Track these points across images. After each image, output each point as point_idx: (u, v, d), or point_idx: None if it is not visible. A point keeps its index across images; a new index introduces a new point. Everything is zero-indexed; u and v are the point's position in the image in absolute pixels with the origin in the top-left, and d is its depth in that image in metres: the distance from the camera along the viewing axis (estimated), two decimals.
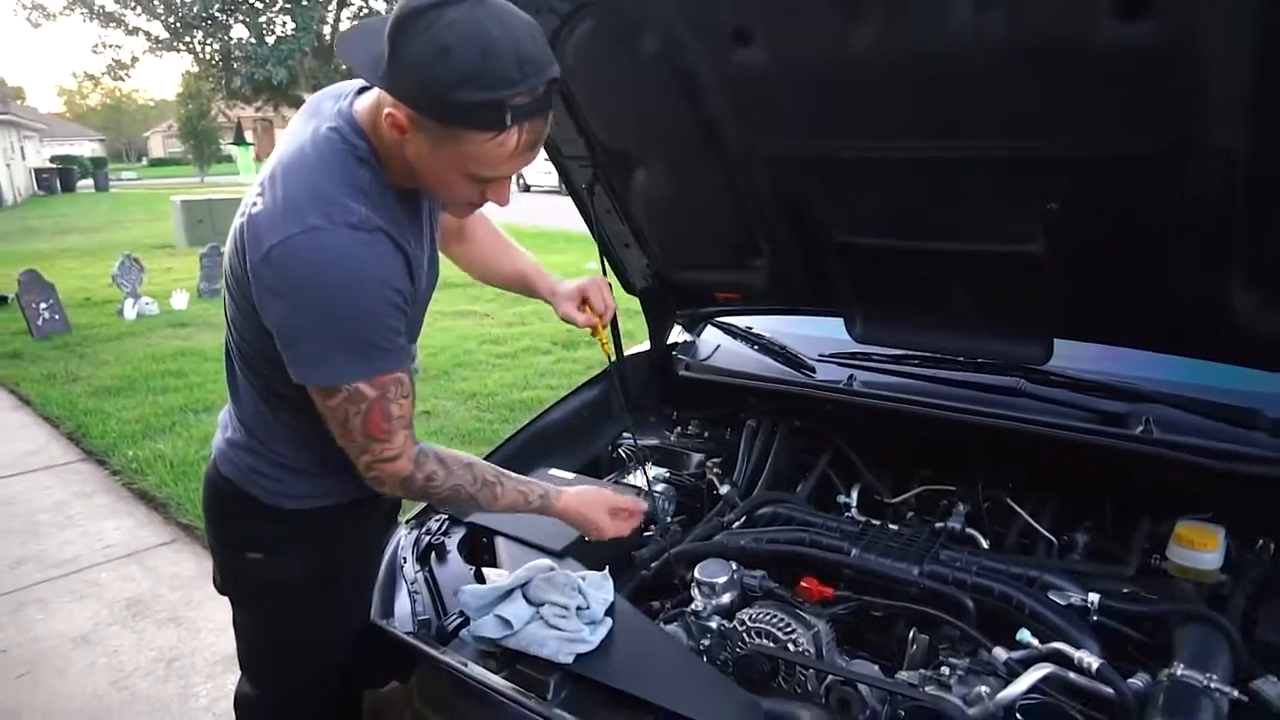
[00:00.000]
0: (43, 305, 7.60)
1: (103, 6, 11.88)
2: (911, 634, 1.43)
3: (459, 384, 5.74)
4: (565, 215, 16.18)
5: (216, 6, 9.80)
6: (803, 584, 1.52)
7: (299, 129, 1.28)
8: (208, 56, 13.94)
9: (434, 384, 5.77)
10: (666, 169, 1.87)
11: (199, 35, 11.19)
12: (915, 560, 1.51)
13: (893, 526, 1.72)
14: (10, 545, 3.79)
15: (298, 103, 16.80)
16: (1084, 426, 1.64)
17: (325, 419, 1.27)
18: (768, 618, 1.44)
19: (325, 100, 1.31)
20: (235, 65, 15.60)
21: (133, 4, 11.52)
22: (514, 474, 1.48)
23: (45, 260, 10.99)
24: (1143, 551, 1.58)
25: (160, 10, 10.95)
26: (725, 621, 1.48)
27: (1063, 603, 1.40)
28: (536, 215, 16.97)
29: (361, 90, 1.28)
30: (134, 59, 12.10)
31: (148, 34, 12.00)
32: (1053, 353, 1.64)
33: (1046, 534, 1.70)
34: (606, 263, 2.14)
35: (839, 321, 1.99)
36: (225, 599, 1.61)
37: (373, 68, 1.12)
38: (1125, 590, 1.44)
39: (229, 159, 39.62)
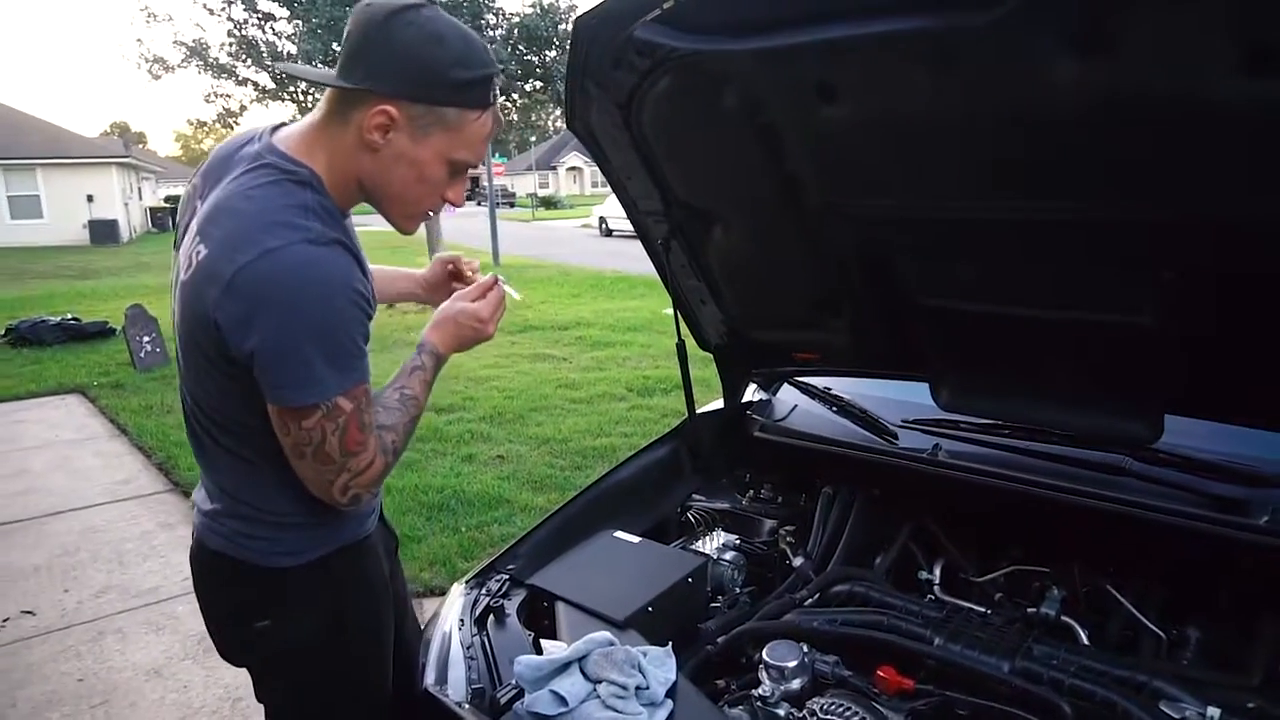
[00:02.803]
0: (145, 339, 7.98)
1: (216, 59, 12.62)
2: None
3: (533, 429, 5.75)
4: (646, 260, 16.30)
5: (316, 62, 10.33)
6: (880, 673, 1.41)
7: (212, 186, 1.28)
8: (309, 105, 14.76)
9: (509, 428, 5.79)
10: (744, 225, 1.82)
11: (302, 85, 11.81)
12: (1006, 654, 1.39)
13: (979, 609, 1.60)
14: (97, 573, 3.92)
15: None
16: (1199, 513, 1.50)
17: (294, 452, 1.25)
18: (840, 709, 1.33)
19: (229, 154, 1.31)
20: None
21: (244, 58, 12.23)
22: (401, 367, 1.43)
23: (152, 295, 11.56)
24: (1268, 657, 1.41)
25: (268, 63, 11.60)
26: (794, 710, 1.38)
27: (1176, 716, 1.26)
28: (617, 259, 17.14)
29: (275, 129, 1.32)
30: (242, 107, 12.82)
31: (256, 84, 12.70)
32: (1163, 430, 1.51)
33: (1154, 628, 1.55)
34: (681, 319, 2.10)
35: (922, 385, 1.89)
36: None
37: (347, 76, 1.20)
38: (1250, 705, 1.28)
39: None
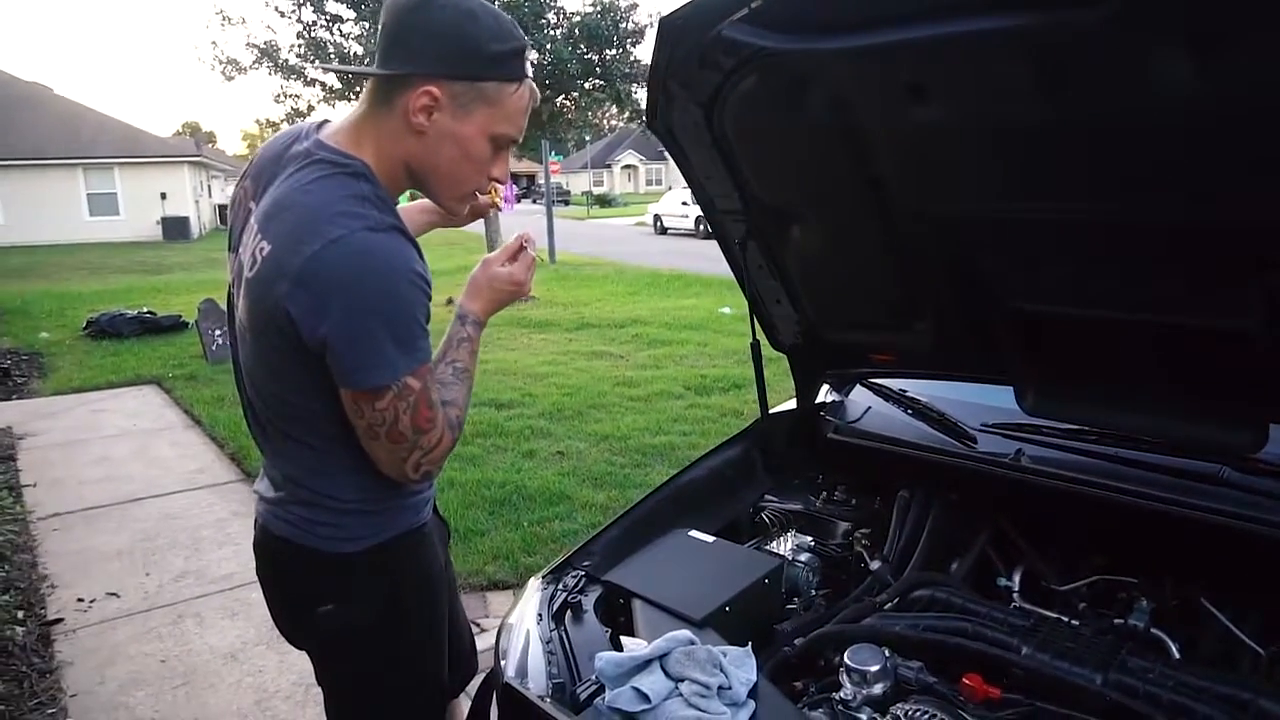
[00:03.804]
0: (217, 331, 8.23)
1: (286, 61, 12.92)
2: None
3: (592, 425, 5.78)
4: (702, 258, 16.30)
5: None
6: (965, 680, 1.39)
7: (265, 186, 1.33)
8: None
9: (568, 424, 5.83)
10: (826, 226, 1.80)
11: (367, 84, 12.06)
12: (1099, 666, 1.35)
13: (1066, 620, 1.56)
14: (175, 558, 4.06)
15: None
16: None
17: (368, 434, 1.29)
18: (925, 716, 1.31)
19: (278, 153, 1.35)
20: None
21: (312, 59, 12.52)
22: (445, 340, 1.45)
23: (222, 289, 11.87)
24: None
25: (314, 62, 11.86)
26: (877, 715, 1.37)
27: None
28: (672, 258, 17.13)
29: (320, 126, 1.36)
30: (310, 107, 13.09)
31: (323, 84, 12.98)
32: (1267, 439, 1.46)
33: (1252, 644, 1.49)
34: (756, 320, 2.09)
35: (999, 390, 1.86)
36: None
37: (387, 63, 1.25)
38: None
39: None
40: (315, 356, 1.24)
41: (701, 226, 23.35)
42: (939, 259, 1.64)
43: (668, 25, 1.57)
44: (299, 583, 1.49)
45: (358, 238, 1.21)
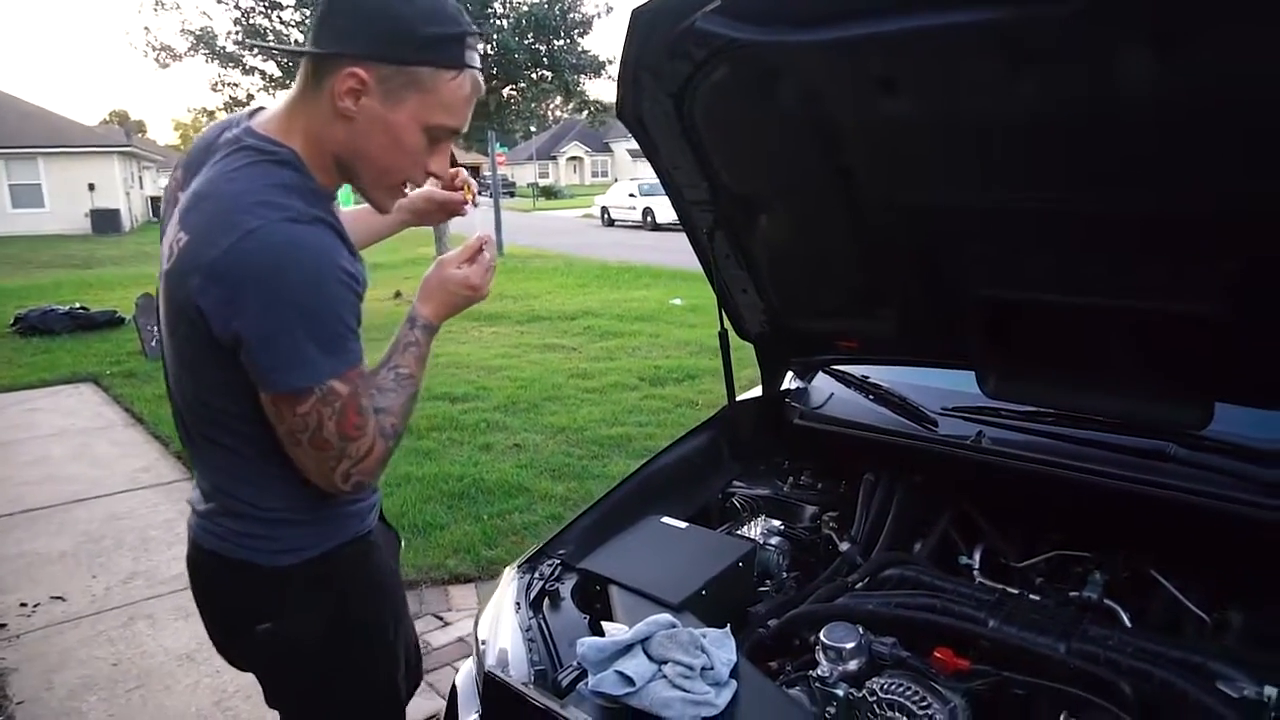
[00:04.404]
0: (155, 328, 7.96)
1: (224, 48, 12.57)
2: (1062, 717, 1.33)
3: (548, 418, 5.78)
4: (650, 250, 16.33)
5: None
6: (936, 654, 1.44)
7: (194, 176, 1.25)
8: None
9: (523, 417, 5.82)
10: (794, 215, 1.84)
11: None
12: (1061, 636, 1.41)
13: (1030, 596, 1.62)
14: (123, 560, 3.95)
15: None
16: (1243, 498, 1.52)
17: (290, 440, 1.21)
18: (900, 689, 1.36)
19: (209, 142, 1.28)
20: None
21: (253, 48, 12.21)
22: (392, 343, 1.37)
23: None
24: None
25: (276, 52, 11.58)
26: (853, 690, 1.41)
27: (1235, 695, 1.29)
28: (621, 250, 17.11)
29: (254, 113, 1.29)
30: (249, 96, 12.73)
31: (263, 73, 12.66)
32: (1212, 417, 1.53)
33: (1197, 611, 1.58)
34: (722, 310, 2.12)
35: (958, 374, 1.92)
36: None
37: (316, 41, 1.17)
38: None
39: None
40: (229, 354, 1.16)
41: (649, 218, 23.42)
42: (906, 247, 1.69)
43: (639, 16, 1.58)
44: (233, 599, 1.39)
45: (277, 229, 1.12)
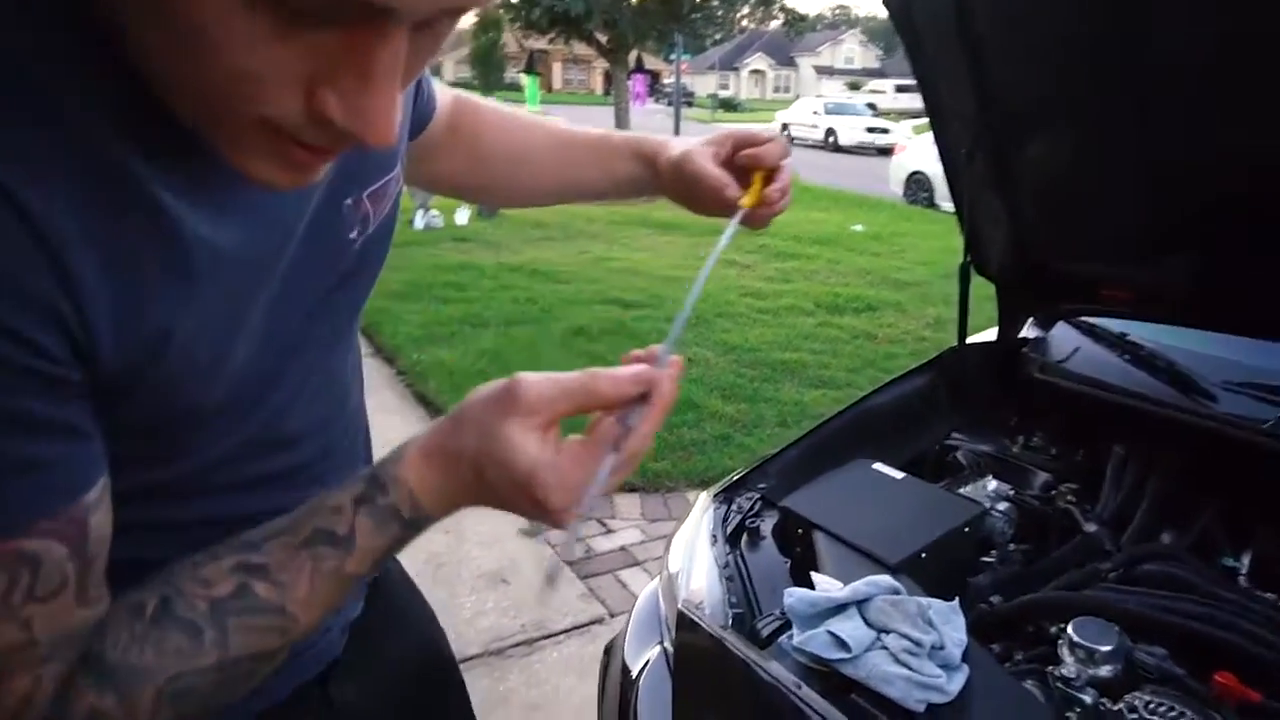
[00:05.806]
0: None
1: None
2: None
3: (720, 334, 5.63)
4: (831, 172, 15.51)
5: None
6: (1218, 678, 1.20)
7: None
8: None
9: (695, 331, 5.70)
10: (1079, 135, 1.55)
11: None
12: None
13: None
14: None
15: (588, 37, 17.29)
16: None
17: None
18: (1171, 713, 1.15)
19: None
20: None
21: None
22: (294, 518, 0.64)
23: None
24: None
25: None
26: (1105, 701, 1.21)
27: None
28: (801, 169, 16.50)
29: None
30: None
31: None
32: None
33: None
34: (965, 239, 1.87)
35: (1240, 342, 1.62)
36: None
37: None
38: None
39: (513, 86, 42.06)
40: None
41: (830, 139, 22.36)
42: (1226, 183, 1.38)
43: None
44: None
45: None
